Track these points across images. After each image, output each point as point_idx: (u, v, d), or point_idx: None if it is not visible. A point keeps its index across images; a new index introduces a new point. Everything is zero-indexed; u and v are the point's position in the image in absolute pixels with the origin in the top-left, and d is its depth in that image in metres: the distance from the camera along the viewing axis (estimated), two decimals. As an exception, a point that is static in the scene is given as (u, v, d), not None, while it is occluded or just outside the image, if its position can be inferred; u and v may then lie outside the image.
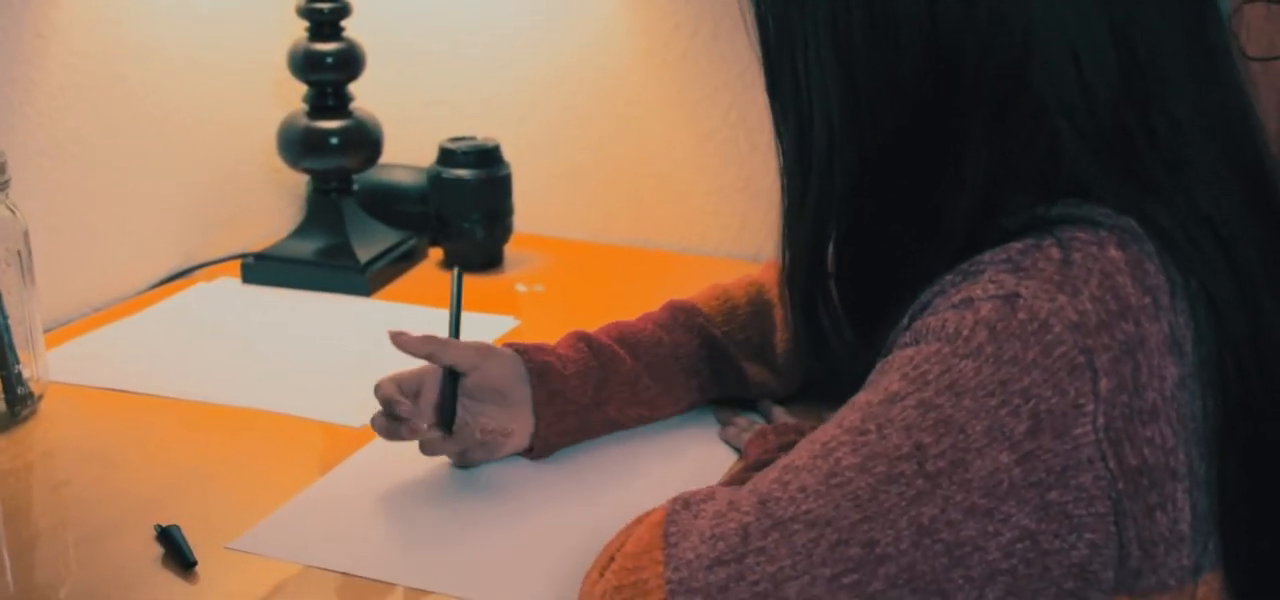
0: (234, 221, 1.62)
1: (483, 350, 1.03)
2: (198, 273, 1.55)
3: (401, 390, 1.01)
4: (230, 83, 1.59)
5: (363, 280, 1.49)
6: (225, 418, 1.16)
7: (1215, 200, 0.71)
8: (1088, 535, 0.64)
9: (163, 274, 1.53)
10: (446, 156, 1.56)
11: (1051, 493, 0.64)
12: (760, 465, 0.91)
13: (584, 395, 1.05)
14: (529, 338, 1.27)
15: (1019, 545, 0.64)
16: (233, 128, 1.61)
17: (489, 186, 1.55)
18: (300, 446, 1.13)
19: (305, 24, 1.49)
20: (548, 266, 1.59)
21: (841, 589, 0.66)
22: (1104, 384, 0.64)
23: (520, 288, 1.52)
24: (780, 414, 1.11)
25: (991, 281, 0.67)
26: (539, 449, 1.05)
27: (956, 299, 0.68)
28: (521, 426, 1.03)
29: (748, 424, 1.10)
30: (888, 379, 0.69)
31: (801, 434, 0.98)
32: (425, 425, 1.00)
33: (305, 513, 1.00)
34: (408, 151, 1.68)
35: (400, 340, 1.01)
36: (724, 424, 1.12)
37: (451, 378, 1.01)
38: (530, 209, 1.66)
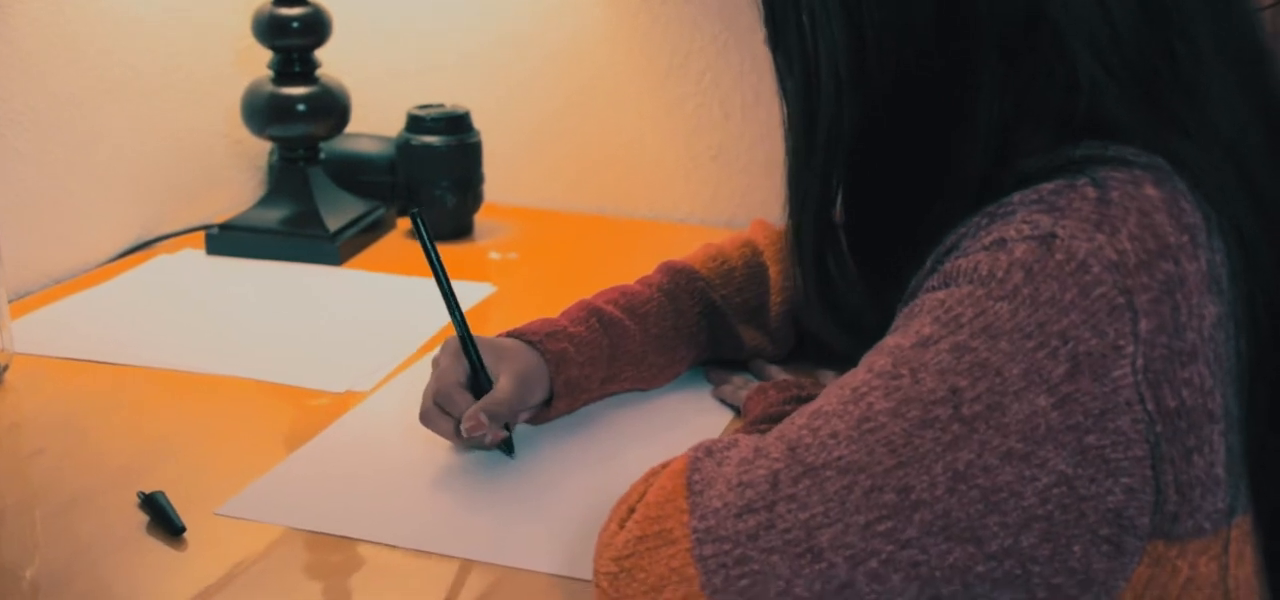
0: (194, 193, 1.58)
1: (514, 378, 0.98)
2: (159, 245, 1.50)
3: (440, 404, 0.97)
4: (189, 50, 1.55)
5: (333, 249, 1.45)
6: (201, 385, 1.13)
7: (1238, 133, 0.70)
8: (1124, 480, 0.63)
9: (123, 246, 1.48)
10: (415, 123, 1.53)
11: (1089, 437, 0.62)
12: (766, 420, 0.90)
13: (596, 378, 1.03)
14: (507, 305, 1.25)
15: (1055, 490, 0.63)
16: (193, 97, 1.56)
17: (460, 153, 1.52)
18: (280, 412, 1.09)
19: (270, -12, 1.45)
20: (519, 235, 1.56)
21: (876, 536, 0.64)
22: (1144, 325, 0.62)
23: (494, 255, 1.49)
24: (775, 371, 1.09)
25: (1025, 222, 0.65)
26: (543, 420, 1.03)
27: (988, 240, 0.66)
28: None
29: (743, 382, 1.08)
30: (918, 322, 0.67)
31: (802, 390, 0.97)
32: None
33: (294, 476, 0.97)
34: (370, 121, 1.64)
35: (471, 432, 0.94)
36: (717, 383, 1.10)
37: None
38: (499, 178, 1.63)
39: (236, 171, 1.65)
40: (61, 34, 1.37)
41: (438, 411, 0.97)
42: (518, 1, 1.65)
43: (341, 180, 1.56)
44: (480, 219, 1.58)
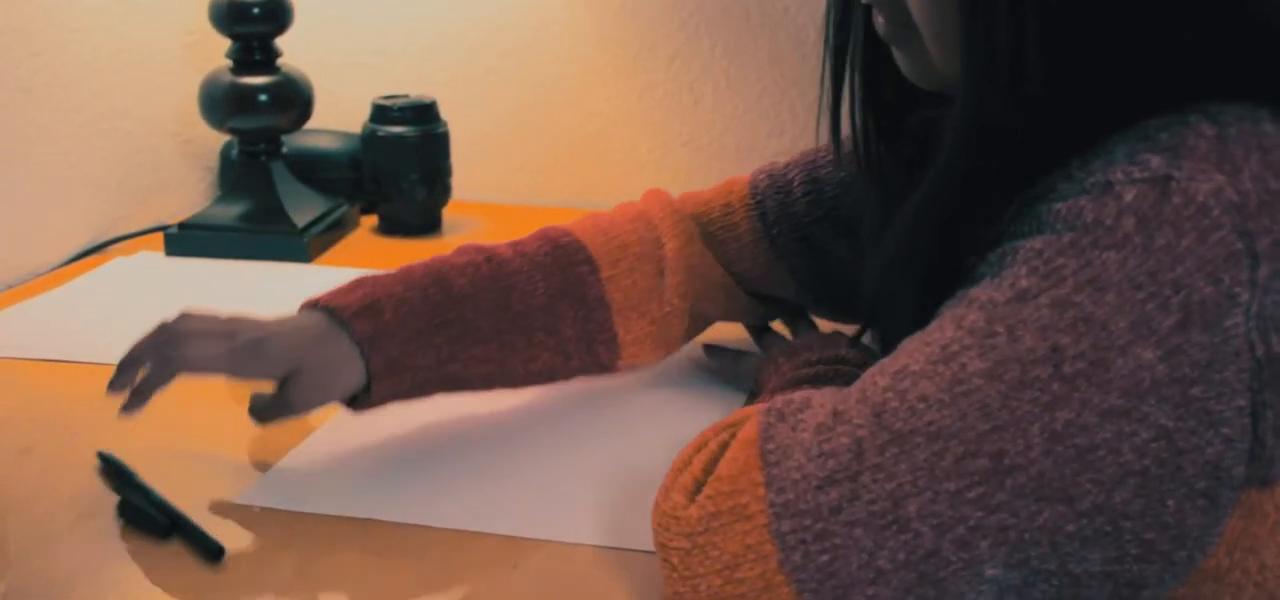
0: (144, 194, 1.50)
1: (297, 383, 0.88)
2: (113, 247, 1.42)
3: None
4: (135, 42, 1.47)
5: (302, 245, 1.38)
6: (186, 382, 1.06)
7: None
8: (1223, 431, 0.59)
9: (75, 250, 1.40)
10: (380, 114, 1.47)
11: (1194, 388, 0.58)
12: (794, 384, 0.85)
13: (430, 357, 0.91)
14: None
15: (1154, 445, 0.59)
16: (141, 92, 1.48)
17: (427, 144, 1.47)
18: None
19: (228, -28, 1.39)
20: (488, 231, 1.51)
21: (966, 503, 0.60)
22: (1263, 271, 0.58)
23: (470, 247, 1.44)
24: (783, 333, 1.05)
25: (1134, 163, 0.60)
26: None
27: (1089, 183, 0.61)
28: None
29: (736, 354, 1.04)
30: (1013, 273, 0.62)
31: (826, 350, 0.91)
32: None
33: (312, 461, 0.91)
34: (328, 115, 1.58)
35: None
36: (718, 362, 1.05)
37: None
38: (466, 173, 1.58)
39: (187, 171, 1.57)
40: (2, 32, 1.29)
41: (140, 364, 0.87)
42: (478, -10, 1.60)
43: (300, 177, 1.49)
44: (449, 214, 1.52)
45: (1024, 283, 0.61)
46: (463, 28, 1.61)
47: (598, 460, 0.91)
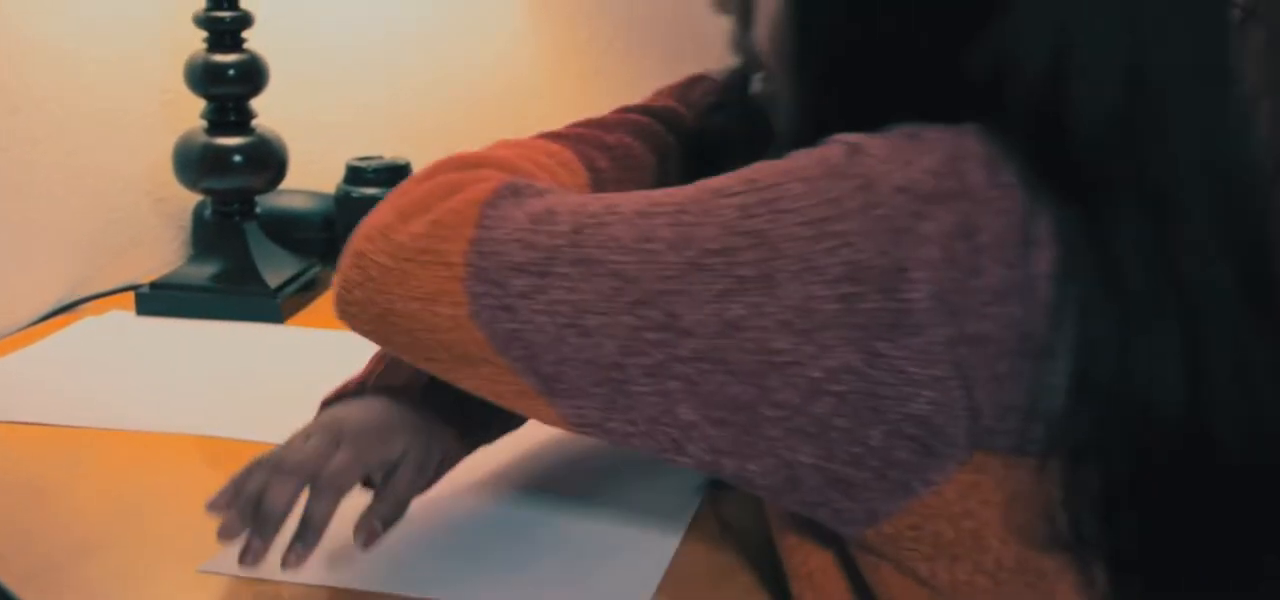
0: (117, 252, 1.50)
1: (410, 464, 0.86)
2: (83, 307, 1.42)
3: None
4: (112, 100, 1.47)
5: (274, 306, 1.38)
6: (165, 445, 1.05)
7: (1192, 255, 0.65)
8: (926, 393, 0.62)
9: (45, 308, 1.39)
10: (355, 175, 1.47)
11: (879, 343, 0.62)
12: None
13: None
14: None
15: (845, 376, 0.62)
16: (116, 150, 1.48)
17: (402, 206, 1.47)
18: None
19: (204, 35, 1.39)
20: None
21: (644, 340, 0.64)
22: (933, 253, 0.61)
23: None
24: None
25: (852, 135, 0.66)
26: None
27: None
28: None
29: None
30: (732, 174, 0.67)
31: None
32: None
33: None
34: (303, 176, 1.58)
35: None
36: None
37: None
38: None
39: (160, 229, 1.57)
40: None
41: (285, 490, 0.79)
42: (452, 51, 1.61)
43: (274, 237, 1.49)
44: (421, 274, 1.52)
45: (728, 181, 0.66)
46: (436, 88, 1.62)
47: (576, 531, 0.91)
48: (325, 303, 1.47)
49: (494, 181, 0.72)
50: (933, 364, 0.62)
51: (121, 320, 1.38)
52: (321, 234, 1.54)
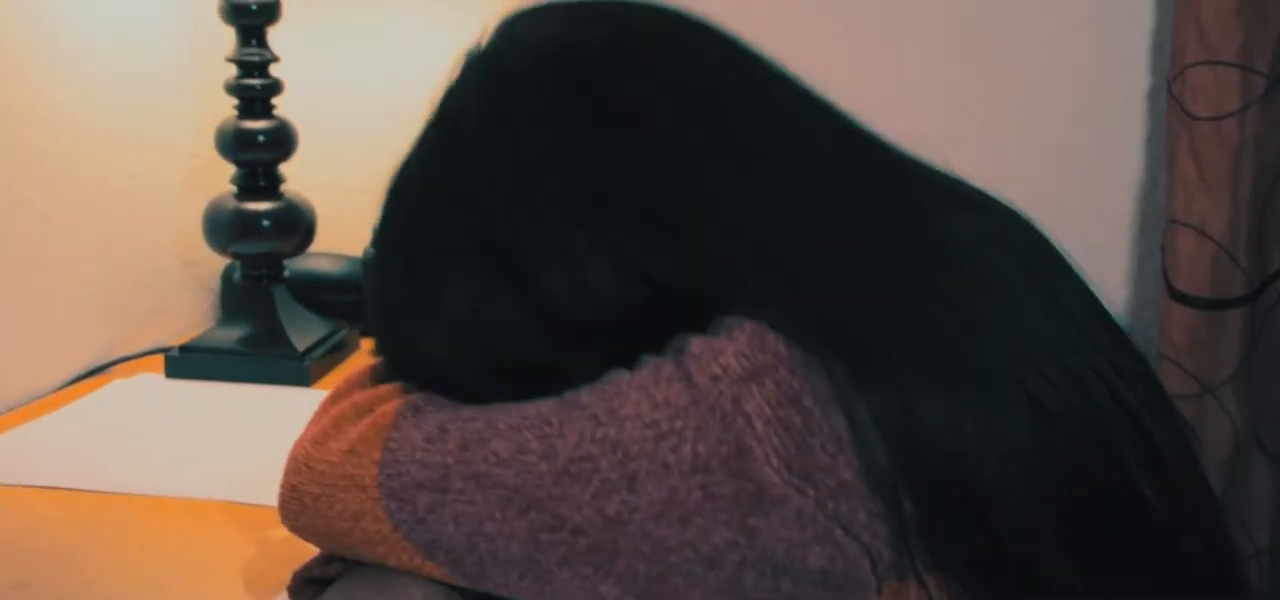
0: (146, 316, 1.51)
1: None
2: (113, 369, 1.43)
3: None
4: (141, 167, 1.49)
5: (303, 369, 1.39)
6: (191, 510, 1.06)
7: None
8: (816, 548, 0.64)
9: (75, 371, 1.41)
10: (382, 239, 1.48)
11: (750, 520, 0.64)
12: None
13: None
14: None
15: (732, 549, 0.65)
16: (146, 216, 1.50)
17: (429, 270, 1.48)
18: (276, 532, 1.03)
19: (234, 102, 1.41)
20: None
21: (545, 542, 0.67)
22: (759, 427, 0.64)
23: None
24: None
25: (683, 338, 0.69)
26: None
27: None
28: None
29: None
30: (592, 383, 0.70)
31: None
32: None
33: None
34: (330, 240, 1.59)
35: None
36: None
37: None
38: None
39: (188, 293, 1.58)
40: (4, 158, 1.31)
41: None
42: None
43: (302, 300, 1.50)
44: (448, 337, 1.53)
45: (583, 392, 0.70)
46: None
47: None
48: (353, 365, 1.47)
49: (396, 402, 0.75)
50: (809, 525, 0.64)
51: (151, 383, 1.39)
52: (349, 297, 1.54)
